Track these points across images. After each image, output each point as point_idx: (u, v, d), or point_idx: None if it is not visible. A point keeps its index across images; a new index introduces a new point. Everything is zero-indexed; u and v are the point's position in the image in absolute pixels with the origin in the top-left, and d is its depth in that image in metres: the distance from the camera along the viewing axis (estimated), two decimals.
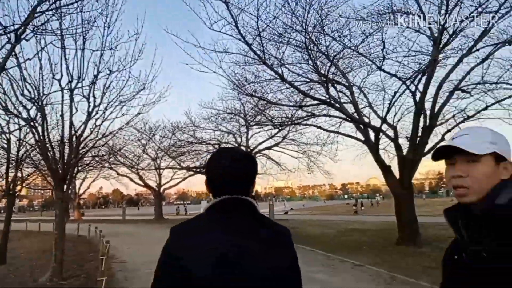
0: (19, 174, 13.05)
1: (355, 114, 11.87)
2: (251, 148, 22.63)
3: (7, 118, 10.31)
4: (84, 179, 37.62)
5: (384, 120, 11.53)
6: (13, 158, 11.96)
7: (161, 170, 31.67)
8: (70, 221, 25.86)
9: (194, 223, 1.33)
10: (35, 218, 37.40)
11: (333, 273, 7.98)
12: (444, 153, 1.20)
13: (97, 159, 24.05)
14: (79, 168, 23.31)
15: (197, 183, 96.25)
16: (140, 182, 32.04)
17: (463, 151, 1.13)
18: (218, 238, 1.23)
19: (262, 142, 22.68)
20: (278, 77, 9.56)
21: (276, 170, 25.99)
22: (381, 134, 11.56)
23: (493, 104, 11.32)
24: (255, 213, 1.33)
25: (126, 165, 28.48)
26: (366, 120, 12.38)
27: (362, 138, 12.12)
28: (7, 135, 11.28)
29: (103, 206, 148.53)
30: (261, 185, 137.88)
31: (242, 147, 23.13)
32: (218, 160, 1.34)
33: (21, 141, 11.06)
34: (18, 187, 13.39)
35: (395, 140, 11.75)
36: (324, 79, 10.35)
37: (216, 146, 22.41)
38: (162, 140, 26.15)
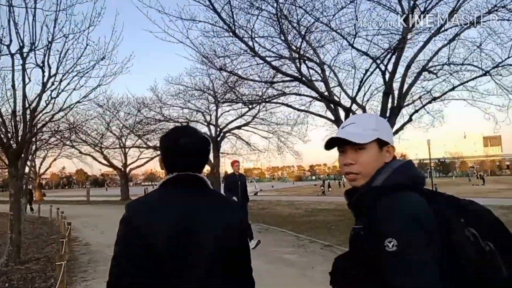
0: None
1: (326, 93, 11.79)
2: (221, 127, 22.23)
3: None
4: (45, 158, 35.77)
5: (353, 100, 11.52)
6: None
7: (127, 149, 30.68)
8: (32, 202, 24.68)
9: (149, 199, 1.41)
10: None
11: (304, 254, 8.02)
12: (336, 142, 1.29)
13: (57, 136, 22.90)
14: (37, 145, 22.06)
15: None
16: (105, 162, 30.92)
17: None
18: (172, 212, 1.32)
19: (232, 121, 22.33)
20: (248, 50, 9.20)
21: (246, 150, 25.83)
22: (350, 114, 11.60)
23: (458, 85, 11.60)
24: (206, 188, 1.44)
25: (88, 143, 27.29)
26: (337, 99, 12.35)
27: (332, 118, 12.12)
28: None
29: (66, 187, 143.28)
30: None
31: (212, 126, 22.74)
32: (171, 138, 1.44)
33: None
34: None
35: None
36: (296, 55, 10.09)
37: (185, 124, 21.84)
38: (127, 117, 25.15)
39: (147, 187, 52.34)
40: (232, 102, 16.36)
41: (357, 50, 10.24)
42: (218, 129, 22.12)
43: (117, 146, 28.80)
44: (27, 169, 14.11)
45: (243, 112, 21.52)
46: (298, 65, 10.20)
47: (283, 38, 9.78)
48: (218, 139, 22.43)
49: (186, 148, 1.38)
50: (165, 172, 1.45)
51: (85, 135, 26.58)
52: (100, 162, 31.40)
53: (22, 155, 8.31)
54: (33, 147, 20.67)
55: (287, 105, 13.85)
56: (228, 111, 22.90)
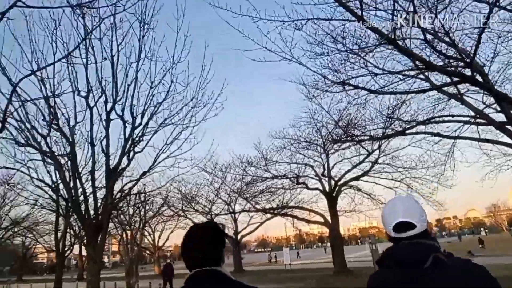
0: None
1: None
2: (336, 179, 19.05)
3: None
4: (162, 231, 36.80)
5: None
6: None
7: (237, 215, 29.30)
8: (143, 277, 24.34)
9: None
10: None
11: None
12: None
13: (165, 208, 22.83)
14: (144, 217, 22.02)
15: (276, 227, 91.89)
16: None
17: None
18: None
19: (348, 171, 19.01)
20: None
21: (367, 205, 21.80)
22: None
23: None
24: (226, 281, 1.51)
25: (200, 212, 26.66)
26: None
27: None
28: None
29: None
30: (343, 227, 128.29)
31: (324, 180, 19.78)
32: (185, 240, 1.62)
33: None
34: None
35: None
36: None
37: (295, 180, 19.36)
38: (234, 181, 23.96)
39: (270, 253, 49.63)
40: (346, 142, 13.37)
41: None
42: (333, 181, 18.99)
43: (227, 212, 27.64)
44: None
45: (360, 160, 18.17)
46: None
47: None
48: (334, 194, 19.20)
49: (194, 249, 1.57)
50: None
51: (195, 203, 26.19)
52: None
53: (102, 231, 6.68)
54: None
55: (433, 133, 10.23)
56: (341, 160, 19.86)
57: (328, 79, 7.27)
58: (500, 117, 8.85)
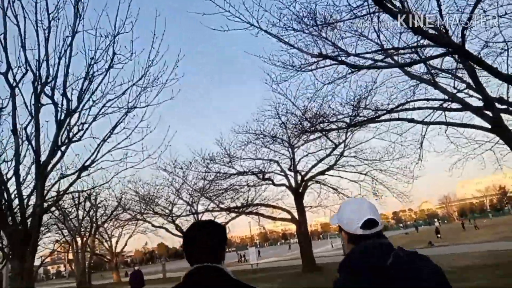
0: None
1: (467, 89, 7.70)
2: (302, 174, 18.45)
3: None
4: (120, 236, 34.71)
5: None
6: None
7: (200, 216, 28.01)
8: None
9: None
10: None
11: None
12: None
13: (121, 211, 21.17)
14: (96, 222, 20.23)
15: (240, 227, 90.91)
16: (178, 233, 28.39)
17: None
18: None
19: (314, 165, 18.46)
20: None
21: (332, 200, 21.47)
22: None
23: None
24: (225, 279, 1.55)
25: (160, 214, 25.10)
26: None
27: (488, 126, 7.78)
28: None
29: (150, 262, 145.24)
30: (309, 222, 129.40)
31: (290, 176, 19.15)
32: (188, 235, 1.67)
33: None
34: None
35: None
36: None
37: (260, 176, 18.54)
38: (197, 181, 22.70)
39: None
40: (314, 132, 12.73)
41: None
42: (299, 177, 18.38)
43: (189, 213, 26.27)
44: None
45: (326, 153, 17.69)
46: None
47: None
48: (300, 190, 18.61)
49: (198, 244, 1.61)
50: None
51: (155, 205, 24.60)
52: (173, 234, 28.99)
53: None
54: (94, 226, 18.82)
55: (407, 119, 9.73)
56: (307, 155, 19.34)
57: (303, 51, 6.43)
58: (474, 102, 8.54)
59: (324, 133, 14.07)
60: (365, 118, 10.38)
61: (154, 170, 21.77)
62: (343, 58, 7.16)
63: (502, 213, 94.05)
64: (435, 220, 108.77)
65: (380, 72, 10.45)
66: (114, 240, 35.22)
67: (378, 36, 7.55)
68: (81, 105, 5.98)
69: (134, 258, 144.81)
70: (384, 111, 10.46)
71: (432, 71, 8.85)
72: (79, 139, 5.81)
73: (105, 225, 31.72)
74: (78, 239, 19.91)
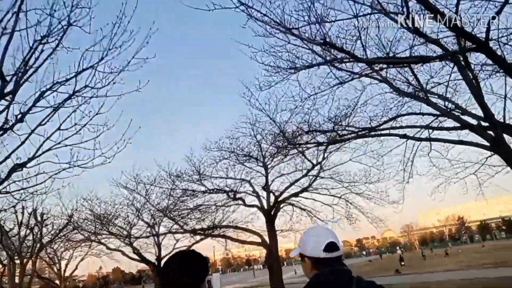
0: None
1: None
2: (276, 194, 17.34)
3: None
4: (70, 259, 31.58)
5: None
6: None
7: (160, 238, 25.97)
8: None
9: None
10: None
11: None
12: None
13: (70, 230, 18.84)
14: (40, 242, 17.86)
15: (205, 251, 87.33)
16: (135, 256, 26.04)
17: None
18: None
19: (290, 185, 17.42)
20: None
21: (303, 224, 20.40)
22: None
23: None
24: None
25: (116, 236, 22.88)
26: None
27: (486, 144, 7.17)
28: None
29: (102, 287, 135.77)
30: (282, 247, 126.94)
31: (262, 197, 17.98)
32: (167, 265, 1.67)
33: None
34: None
35: None
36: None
37: (232, 195, 17.22)
38: (160, 200, 20.92)
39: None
40: (293, 148, 11.80)
41: None
42: (272, 198, 17.28)
43: (149, 234, 24.16)
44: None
45: (302, 174, 16.79)
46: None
47: None
48: (273, 212, 17.46)
49: (173, 274, 1.61)
50: None
51: (111, 225, 22.40)
52: (130, 258, 26.56)
53: None
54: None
55: (399, 135, 8.97)
56: (280, 175, 18.35)
57: (307, 39, 5.49)
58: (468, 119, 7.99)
59: (303, 148, 13.22)
60: (352, 133, 9.63)
61: (114, 187, 19.95)
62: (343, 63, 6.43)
63: (460, 242, 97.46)
64: (397, 248, 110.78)
65: (367, 87, 9.81)
66: (63, 263, 32.02)
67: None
68: (19, 89, 4.68)
69: (87, 282, 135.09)
70: (371, 127, 9.77)
71: (427, 85, 8.30)
72: (11, 127, 4.47)
73: (55, 246, 28.78)
74: (17, 261, 17.40)
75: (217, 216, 19.32)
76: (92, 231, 22.70)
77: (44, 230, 21.16)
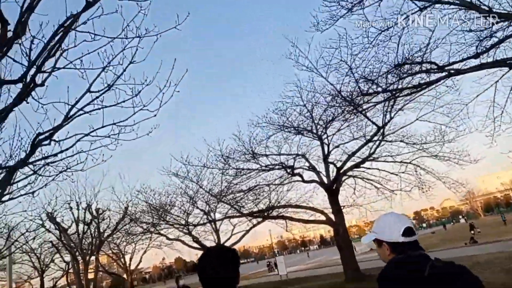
0: None
1: None
2: (337, 166, 15.74)
3: None
4: (133, 253, 32.40)
5: None
6: None
7: (218, 224, 25.53)
8: None
9: None
10: None
11: None
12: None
13: (127, 223, 18.69)
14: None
15: (259, 236, 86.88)
16: (195, 245, 25.85)
17: None
18: None
19: (353, 154, 15.67)
20: None
21: (368, 197, 18.58)
22: None
23: None
24: None
25: (173, 224, 22.64)
26: None
27: None
28: None
29: (168, 277, 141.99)
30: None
31: (320, 171, 16.53)
32: (202, 261, 1.77)
33: None
34: None
35: None
36: None
37: (290, 171, 15.93)
38: (212, 185, 20.19)
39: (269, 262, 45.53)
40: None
41: None
42: (334, 169, 15.75)
43: (206, 221, 23.74)
44: None
45: (366, 140, 15.03)
46: None
47: None
48: (334, 186, 15.95)
49: (209, 268, 1.71)
50: None
51: (168, 216, 22.19)
52: (190, 246, 26.45)
53: None
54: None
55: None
56: (337, 146, 16.68)
57: None
58: None
59: (364, 111, 11.56)
60: (431, 72, 7.85)
61: (166, 177, 19.50)
62: None
63: None
64: (460, 217, 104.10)
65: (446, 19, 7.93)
66: (128, 257, 32.99)
67: None
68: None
69: (152, 274, 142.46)
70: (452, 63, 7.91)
71: None
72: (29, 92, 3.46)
73: (117, 241, 29.53)
74: (79, 258, 17.59)
75: (271, 198, 18.18)
76: (150, 222, 22.73)
77: (102, 225, 21.49)
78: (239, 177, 16.60)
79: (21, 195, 5.36)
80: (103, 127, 3.95)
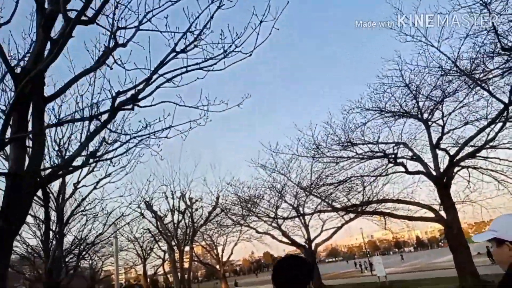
0: None
1: None
2: (452, 154, 13.39)
3: None
4: (225, 245, 33.34)
5: None
6: None
7: (307, 218, 24.58)
8: None
9: None
10: None
11: None
12: None
13: (218, 213, 18.78)
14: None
15: (348, 234, 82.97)
16: (285, 240, 25.28)
17: None
18: None
19: (466, 142, 13.20)
20: None
21: (484, 192, 15.61)
22: None
23: None
24: None
25: (261, 217, 22.37)
26: None
27: None
28: None
29: (258, 271, 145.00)
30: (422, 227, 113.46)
31: (429, 161, 14.36)
32: (277, 267, 1.81)
33: None
34: None
35: None
36: None
37: (392, 159, 14.18)
38: (301, 179, 19.27)
39: (360, 262, 43.77)
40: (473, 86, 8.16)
41: None
42: (446, 158, 13.56)
43: (294, 215, 22.97)
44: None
45: (488, 122, 12.54)
46: None
47: None
48: (445, 179, 13.68)
49: (283, 275, 1.75)
50: None
51: (257, 209, 22.01)
52: (279, 241, 26.03)
53: None
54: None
55: None
56: (448, 132, 14.30)
57: None
58: None
59: (488, 85, 9.46)
60: None
61: (253, 169, 19.24)
62: None
63: None
64: None
65: None
66: (220, 249, 34.13)
67: None
68: None
69: (242, 266, 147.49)
70: None
71: None
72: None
73: (210, 232, 30.62)
74: (175, 248, 18.29)
75: (365, 193, 16.43)
76: (240, 214, 22.90)
77: (196, 215, 22.32)
78: (331, 168, 15.34)
79: (115, 171, 5.20)
80: (187, 71, 3.34)
